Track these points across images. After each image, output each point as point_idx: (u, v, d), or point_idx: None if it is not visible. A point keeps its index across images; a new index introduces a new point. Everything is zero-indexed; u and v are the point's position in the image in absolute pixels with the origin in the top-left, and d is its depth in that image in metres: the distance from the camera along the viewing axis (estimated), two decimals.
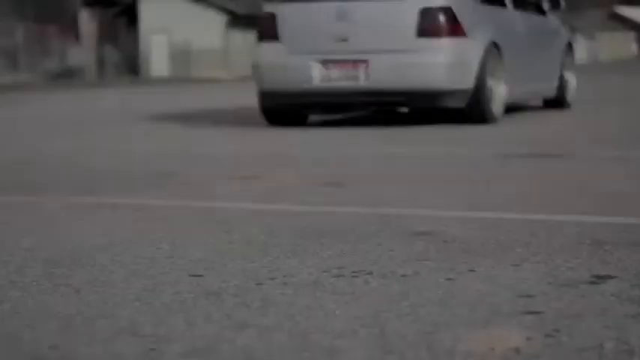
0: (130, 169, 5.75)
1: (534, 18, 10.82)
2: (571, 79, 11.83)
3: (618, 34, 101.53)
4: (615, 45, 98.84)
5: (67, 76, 41.10)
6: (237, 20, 48.59)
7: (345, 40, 8.87)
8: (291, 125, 9.47)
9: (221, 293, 2.54)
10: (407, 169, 5.40)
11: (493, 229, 3.42)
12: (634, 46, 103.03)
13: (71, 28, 45.58)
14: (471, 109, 8.88)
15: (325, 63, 8.93)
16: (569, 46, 11.82)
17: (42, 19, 43.15)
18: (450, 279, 2.65)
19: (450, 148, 6.71)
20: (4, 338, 2.15)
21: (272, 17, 9.15)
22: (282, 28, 9.10)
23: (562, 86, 11.42)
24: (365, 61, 8.76)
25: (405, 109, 10.57)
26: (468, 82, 8.75)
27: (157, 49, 47.53)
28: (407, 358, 1.94)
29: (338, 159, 6.08)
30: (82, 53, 44.89)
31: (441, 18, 8.64)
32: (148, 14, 47.78)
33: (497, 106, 9.21)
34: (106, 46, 44.59)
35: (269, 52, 9.16)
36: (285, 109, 9.40)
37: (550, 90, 11.13)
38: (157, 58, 47.51)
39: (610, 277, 2.63)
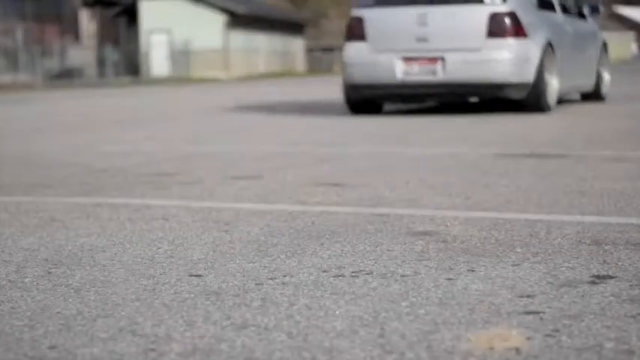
0: (131, 169, 5.75)
1: (577, 21, 12.27)
2: (605, 75, 13.29)
3: (618, 34, 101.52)
4: (615, 45, 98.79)
5: (66, 76, 41.09)
6: (237, 20, 48.58)
7: (424, 40, 10.38)
8: (370, 113, 11.08)
9: (221, 293, 2.54)
10: (407, 169, 5.40)
11: (493, 229, 3.42)
12: (633, 46, 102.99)
13: (71, 28, 45.57)
14: (531, 100, 10.31)
15: (407, 60, 10.44)
16: (605, 46, 13.41)
17: (42, 19, 43.15)
18: (449, 279, 2.65)
19: (451, 148, 6.71)
20: (4, 338, 2.15)
21: (360, 20, 10.69)
22: (369, 29, 10.64)
23: (598, 81, 12.93)
24: (442, 58, 10.27)
25: (474, 100, 11.93)
26: (528, 77, 10.19)
27: (157, 49, 47.53)
28: (407, 358, 1.94)
29: (339, 158, 6.08)
30: (82, 53, 44.87)
31: (507, 21, 10.15)
32: (148, 14, 47.76)
33: (551, 98, 10.65)
34: (106, 46, 44.58)
35: (356, 50, 10.71)
36: (369, 100, 10.95)
37: (589, 84, 12.56)
38: (157, 58, 47.50)
39: (610, 277, 2.63)
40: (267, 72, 51.52)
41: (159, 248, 3.21)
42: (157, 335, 2.15)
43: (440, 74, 10.29)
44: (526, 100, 10.32)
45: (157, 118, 12.14)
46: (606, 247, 3.05)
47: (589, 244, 3.10)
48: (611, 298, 2.40)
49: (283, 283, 2.64)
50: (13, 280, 2.78)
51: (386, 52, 10.55)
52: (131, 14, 48.76)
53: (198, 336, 2.14)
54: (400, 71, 10.46)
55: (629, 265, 2.78)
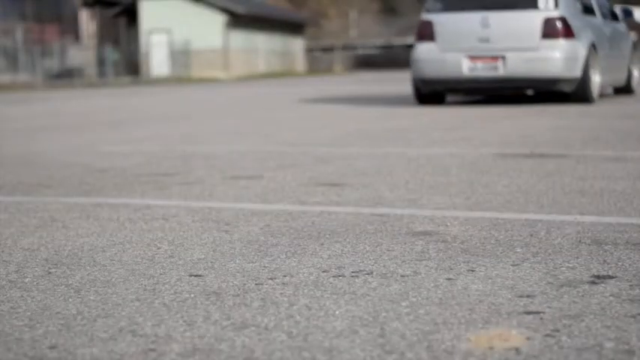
0: (131, 169, 5.75)
1: (613, 24, 14.20)
2: (635, 71, 15.41)
3: None
4: None
5: (66, 76, 41.09)
6: (237, 20, 48.58)
7: (486, 40, 12.21)
8: (435, 104, 13.11)
9: (221, 293, 2.54)
10: (407, 169, 5.40)
11: (493, 229, 3.42)
12: None
13: (71, 28, 45.57)
14: (578, 93, 12.13)
15: (472, 58, 12.26)
16: (634, 46, 15.39)
17: (42, 19, 43.15)
18: (449, 279, 2.65)
19: (451, 148, 6.71)
20: (4, 338, 2.15)
21: (429, 24, 12.55)
22: (437, 31, 12.47)
23: (629, 77, 14.97)
24: (503, 57, 12.11)
25: (530, 92, 14.03)
26: (577, 72, 12.01)
27: (157, 49, 47.53)
28: (407, 358, 1.94)
29: (341, 159, 6.08)
30: (82, 53, 44.87)
31: (559, 25, 11.98)
32: (148, 14, 47.76)
33: (595, 91, 12.46)
34: (106, 46, 44.57)
35: (426, 50, 12.54)
36: (437, 92, 12.88)
37: (622, 80, 14.52)
38: (157, 58, 47.50)
39: (610, 277, 2.63)
40: (267, 72, 51.53)
41: (159, 248, 3.22)
42: (157, 335, 2.15)
43: (501, 70, 12.10)
44: (574, 92, 12.10)
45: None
46: (606, 247, 3.05)
47: (589, 244, 3.10)
48: (611, 298, 2.40)
49: (283, 283, 2.64)
50: (13, 280, 2.78)
51: (453, 51, 12.34)
52: (131, 14, 48.76)
53: (198, 336, 2.14)
54: (466, 68, 12.25)
55: (629, 265, 2.78)
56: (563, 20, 11.97)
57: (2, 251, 3.23)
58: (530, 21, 12.03)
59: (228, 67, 47.95)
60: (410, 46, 75.86)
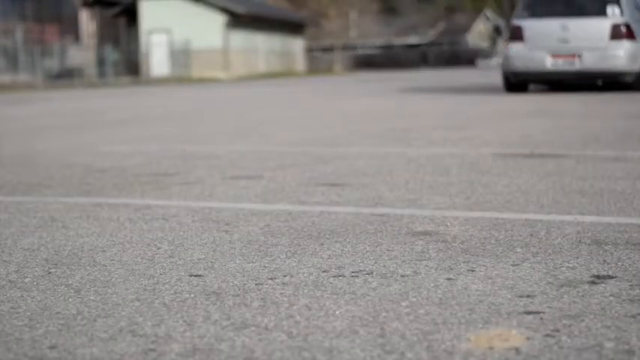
0: (131, 169, 5.75)
1: None
2: None
3: None
4: None
5: (66, 76, 41.08)
6: (237, 20, 48.57)
7: (566, 41, 15.62)
8: (519, 92, 16.47)
9: (221, 293, 2.54)
10: (407, 169, 5.40)
11: (493, 229, 3.42)
12: None
13: (71, 28, 45.56)
14: (637, 83, 15.41)
15: (553, 55, 15.68)
16: None
17: (42, 19, 43.14)
18: (449, 279, 2.65)
19: (451, 148, 6.71)
20: (4, 338, 2.15)
21: (519, 28, 16.09)
22: (526, 34, 16.00)
23: None
24: (579, 54, 15.49)
25: (599, 82, 16.58)
26: (636, 67, 15.37)
27: (156, 49, 47.51)
28: (407, 358, 1.94)
29: (338, 159, 6.08)
30: (82, 53, 44.87)
31: (623, 29, 15.41)
32: (147, 14, 47.74)
33: None
34: (106, 46, 44.56)
35: (516, 49, 16.05)
36: (523, 82, 16.53)
37: None
38: (157, 58, 47.49)
39: (610, 277, 2.63)
40: (267, 72, 51.53)
41: (159, 248, 3.22)
42: (157, 335, 2.15)
43: (577, 65, 15.49)
44: (634, 82, 15.39)
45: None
46: (606, 247, 3.05)
47: (589, 244, 3.10)
48: (611, 298, 2.40)
49: (283, 283, 2.64)
50: (13, 280, 2.78)
51: (538, 50, 15.79)
52: (131, 14, 48.75)
53: (198, 336, 2.14)
54: (549, 63, 15.67)
55: (629, 265, 2.78)
56: (627, 26, 15.39)
57: (2, 251, 3.23)
58: (601, 26, 15.48)
59: (228, 67, 47.95)
60: (410, 47, 75.82)
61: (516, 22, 16.25)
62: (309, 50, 64.69)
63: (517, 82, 16.53)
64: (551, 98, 14.16)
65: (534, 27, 15.99)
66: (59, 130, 9.85)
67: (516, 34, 16.20)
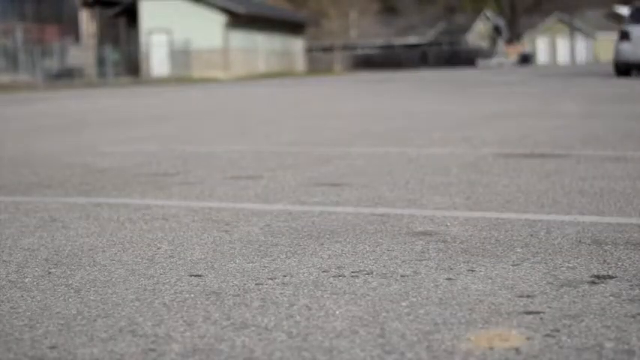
0: (131, 169, 5.75)
1: None
2: None
3: (617, 34, 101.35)
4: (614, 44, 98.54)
5: (66, 76, 41.06)
6: (237, 20, 48.57)
7: None
8: (625, 76, 22.88)
9: (221, 293, 2.54)
10: (407, 169, 5.40)
11: (493, 229, 3.42)
12: None
13: (71, 28, 45.55)
14: None
15: None
16: None
17: (42, 19, 43.13)
18: (449, 279, 2.65)
19: (451, 148, 6.71)
20: (4, 338, 2.15)
21: (627, 32, 24.07)
22: (631, 36, 23.74)
23: None
24: None
25: None
26: None
27: (156, 49, 47.50)
28: (407, 358, 1.94)
29: (338, 159, 6.09)
30: (82, 53, 44.85)
31: None
32: (147, 14, 47.73)
33: None
34: (106, 46, 44.55)
35: (625, 46, 23.88)
36: (629, 69, 24.01)
37: None
38: (157, 58, 47.47)
39: (610, 277, 2.63)
40: (266, 72, 51.52)
41: (159, 248, 3.22)
42: (157, 335, 2.15)
43: None
44: None
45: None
46: (606, 247, 3.05)
47: (589, 244, 3.10)
48: (611, 298, 2.40)
49: (283, 283, 2.64)
50: (13, 280, 2.78)
51: None
52: (131, 14, 48.74)
53: (198, 336, 2.14)
54: None
55: (629, 265, 2.78)
56: None
57: (2, 251, 3.23)
58: None
59: (228, 67, 47.95)
60: (410, 47, 75.80)
61: (625, 27, 24.41)
62: (309, 50, 64.69)
63: (624, 69, 23.98)
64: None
65: (638, 30, 23.91)
66: (59, 130, 9.85)
67: (625, 36, 24.00)
